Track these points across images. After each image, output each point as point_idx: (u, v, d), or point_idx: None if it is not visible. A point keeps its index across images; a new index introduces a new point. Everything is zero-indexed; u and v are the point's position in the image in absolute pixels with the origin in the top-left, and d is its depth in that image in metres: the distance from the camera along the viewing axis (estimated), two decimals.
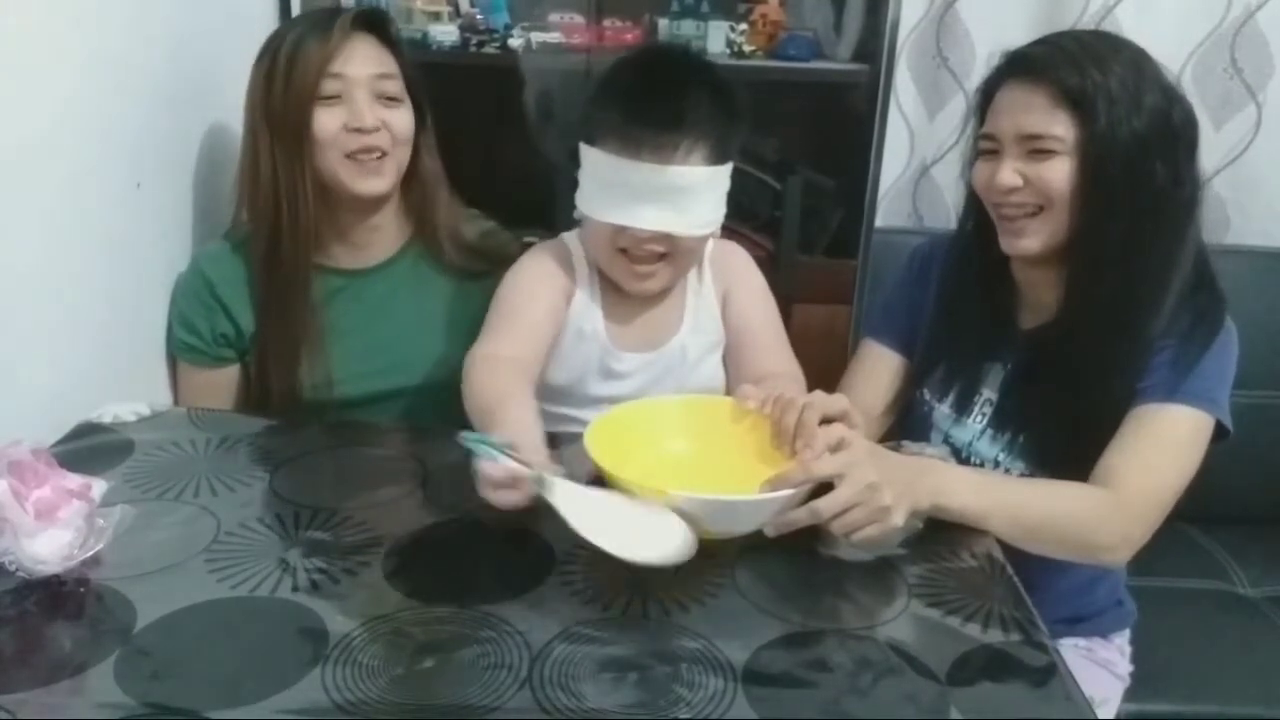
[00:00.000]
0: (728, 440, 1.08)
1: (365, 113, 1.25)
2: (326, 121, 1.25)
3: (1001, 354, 1.25)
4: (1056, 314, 1.19)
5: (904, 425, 1.33)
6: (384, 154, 1.28)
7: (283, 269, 1.28)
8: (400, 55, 1.31)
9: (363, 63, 1.26)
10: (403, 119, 1.29)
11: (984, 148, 1.18)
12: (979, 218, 1.23)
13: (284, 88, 1.23)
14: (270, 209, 1.26)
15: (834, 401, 1.03)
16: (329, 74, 1.23)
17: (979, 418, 1.25)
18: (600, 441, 1.00)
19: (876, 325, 1.39)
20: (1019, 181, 1.12)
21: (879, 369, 1.35)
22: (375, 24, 1.29)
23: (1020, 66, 1.14)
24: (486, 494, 0.92)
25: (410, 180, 1.34)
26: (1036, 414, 1.19)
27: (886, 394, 1.33)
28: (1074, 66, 1.09)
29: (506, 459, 0.90)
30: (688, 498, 0.92)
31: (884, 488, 0.93)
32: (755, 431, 1.07)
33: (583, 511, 0.90)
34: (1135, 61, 1.11)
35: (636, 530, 0.90)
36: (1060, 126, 1.10)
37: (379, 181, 1.29)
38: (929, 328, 1.31)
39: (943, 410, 1.28)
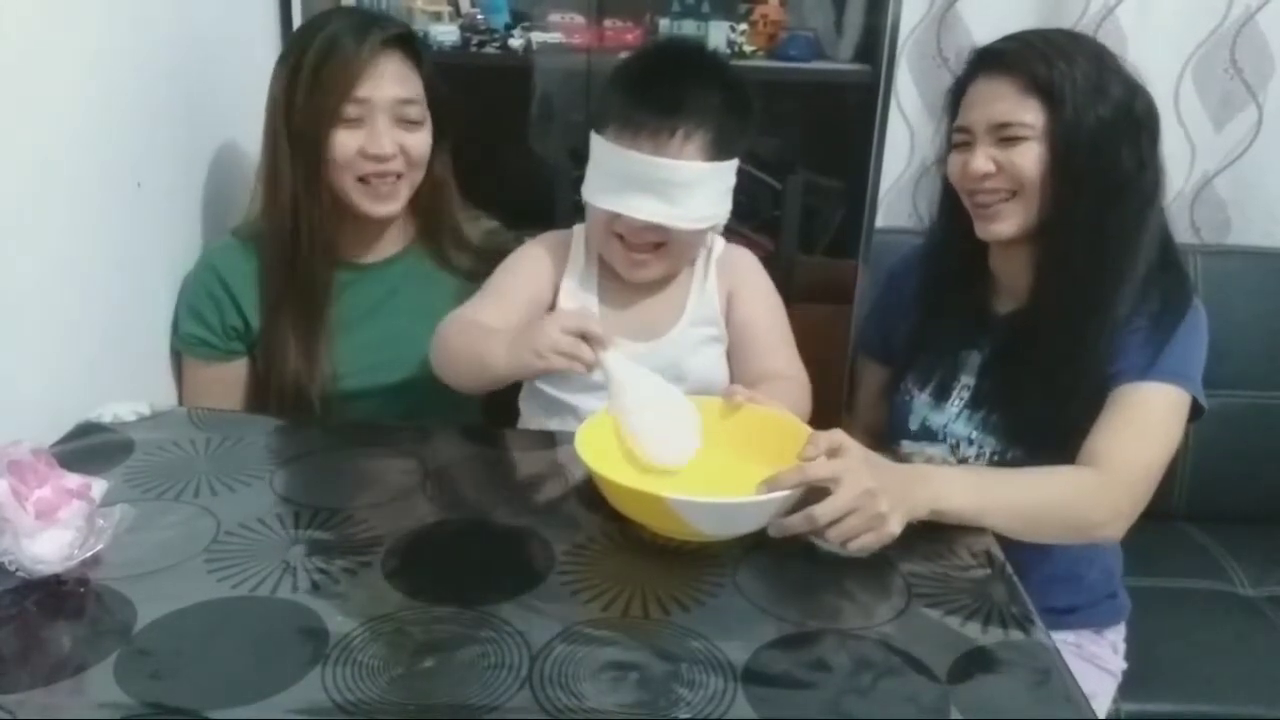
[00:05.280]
0: (724, 441, 1.08)
1: (384, 140, 1.25)
2: (344, 143, 1.25)
3: (979, 341, 1.29)
4: (1029, 297, 1.24)
5: (887, 416, 1.38)
6: (399, 176, 1.29)
7: (297, 269, 1.30)
8: (425, 74, 1.31)
9: (387, 86, 1.25)
10: (420, 142, 1.30)
11: (958, 140, 1.23)
12: (953, 211, 1.27)
13: (305, 103, 1.24)
14: (289, 215, 1.28)
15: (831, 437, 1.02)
16: (352, 98, 1.23)
17: (956, 402, 1.29)
18: (590, 445, 0.99)
19: (863, 340, 1.48)
20: (991, 168, 1.18)
21: (873, 386, 1.44)
22: (404, 42, 1.28)
23: (991, 61, 1.21)
24: (554, 335, 1.01)
25: (421, 191, 1.35)
26: (1010, 394, 1.23)
27: (885, 409, 1.40)
28: (1042, 58, 1.15)
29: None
30: (681, 500, 0.91)
31: (880, 494, 0.93)
32: (751, 432, 1.07)
33: (628, 389, 1.03)
34: (1097, 55, 1.18)
35: (661, 429, 1.03)
36: (1030, 114, 1.15)
37: (390, 205, 1.30)
38: (911, 324, 1.36)
39: (923, 399, 1.32)
